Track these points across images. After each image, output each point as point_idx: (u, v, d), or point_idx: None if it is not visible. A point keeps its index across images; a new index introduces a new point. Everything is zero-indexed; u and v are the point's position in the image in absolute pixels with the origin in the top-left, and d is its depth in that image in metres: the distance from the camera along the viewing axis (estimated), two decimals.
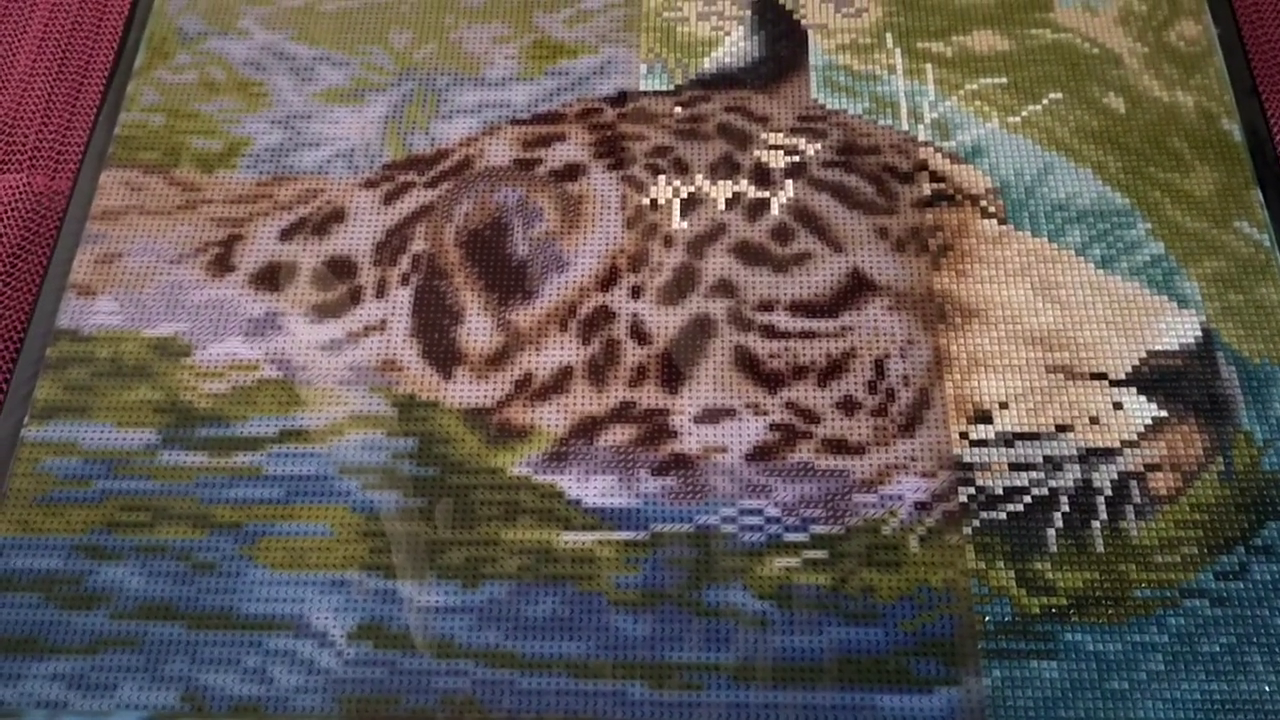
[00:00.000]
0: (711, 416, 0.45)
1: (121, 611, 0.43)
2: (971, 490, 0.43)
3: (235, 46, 0.56)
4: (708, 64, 0.54)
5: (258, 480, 0.45)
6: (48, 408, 0.47)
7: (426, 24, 0.57)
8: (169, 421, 0.46)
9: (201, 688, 0.41)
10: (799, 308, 0.47)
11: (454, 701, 0.40)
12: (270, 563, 0.43)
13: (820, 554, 0.42)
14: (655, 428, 0.45)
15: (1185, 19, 0.54)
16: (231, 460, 0.45)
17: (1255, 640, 0.40)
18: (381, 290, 0.49)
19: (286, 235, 0.50)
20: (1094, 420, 0.44)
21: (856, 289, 0.47)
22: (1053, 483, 0.43)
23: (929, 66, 0.53)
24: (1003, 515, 0.43)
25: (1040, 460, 0.43)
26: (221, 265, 0.50)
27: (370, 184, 0.52)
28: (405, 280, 0.49)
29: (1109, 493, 0.43)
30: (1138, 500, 0.43)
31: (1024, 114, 0.52)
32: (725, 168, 0.51)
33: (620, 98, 0.53)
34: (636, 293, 0.48)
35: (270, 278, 0.49)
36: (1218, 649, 0.40)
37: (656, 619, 0.42)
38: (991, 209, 0.49)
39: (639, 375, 0.46)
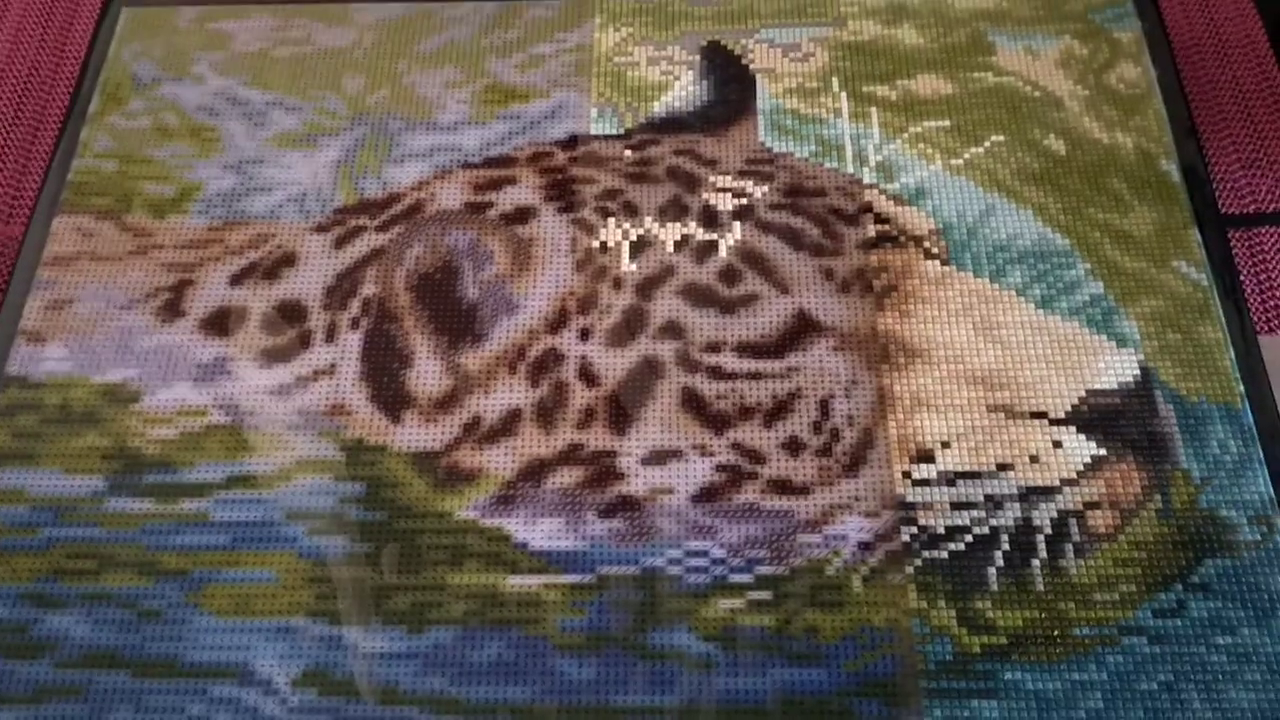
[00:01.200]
0: (658, 458, 0.45)
1: (66, 660, 0.42)
2: (914, 529, 0.44)
3: (189, 92, 0.57)
4: (658, 108, 0.55)
5: (204, 527, 0.45)
6: None
7: (380, 69, 0.57)
8: (117, 468, 0.46)
9: None
10: (746, 349, 0.48)
11: None
12: (216, 610, 0.43)
13: (765, 595, 0.43)
14: (603, 469, 0.45)
15: (1125, 62, 0.55)
16: (178, 507, 0.45)
17: (1193, 677, 0.40)
18: (331, 334, 0.49)
19: (237, 280, 0.50)
20: (1034, 459, 0.45)
21: (802, 330, 0.48)
22: (994, 521, 0.43)
23: (874, 110, 0.54)
24: (944, 554, 0.43)
25: (981, 499, 0.44)
26: (172, 311, 0.50)
27: (321, 228, 0.52)
28: (355, 324, 0.49)
29: (1049, 531, 0.43)
30: (1077, 538, 0.43)
31: (966, 156, 0.53)
32: (674, 210, 0.51)
33: (571, 141, 0.54)
34: (585, 335, 0.48)
35: (220, 323, 0.49)
36: (1155, 686, 0.40)
37: (602, 662, 0.42)
38: (935, 250, 0.50)
39: (587, 417, 0.46)
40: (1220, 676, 0.40)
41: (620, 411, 0.47)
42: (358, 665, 0.42)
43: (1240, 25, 0.59)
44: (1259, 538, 0.43)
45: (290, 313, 0.49)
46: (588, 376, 0.47)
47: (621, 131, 0.54)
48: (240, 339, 0.49)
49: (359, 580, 0.43)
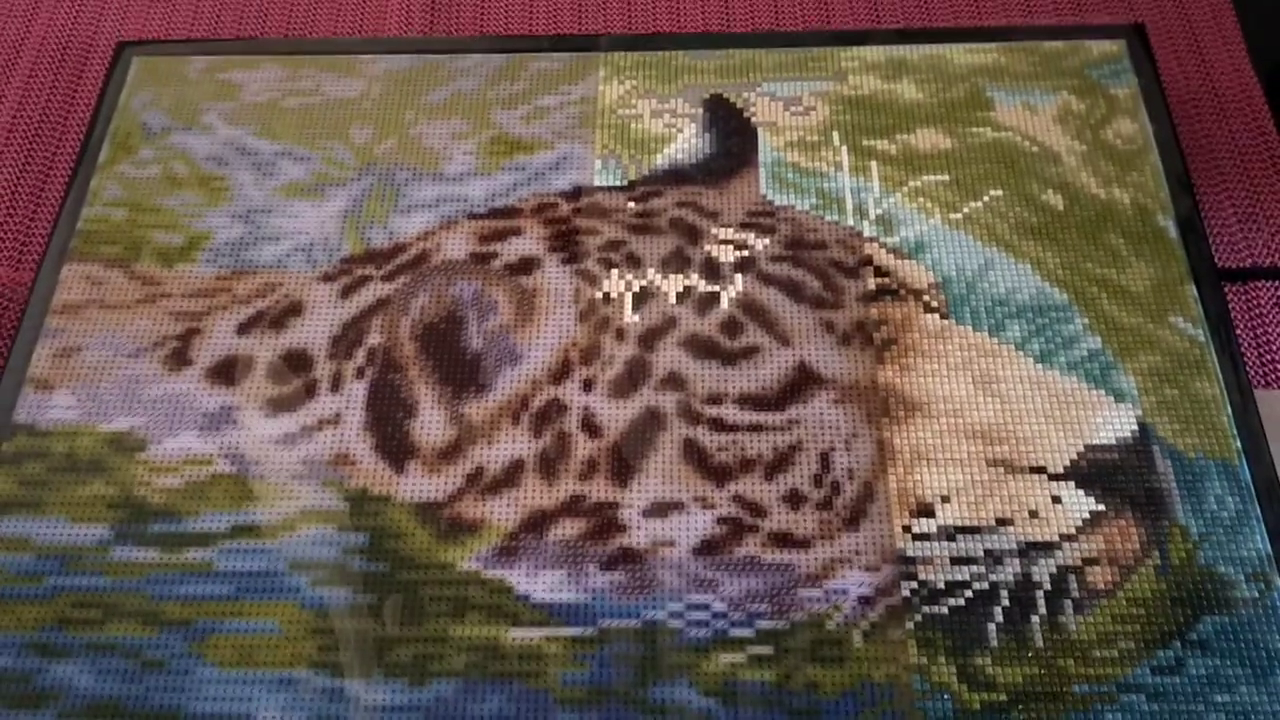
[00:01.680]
0: (660, 510, 0.46)
1: (70, 710, 0.43)
2: (914, 584, 0.44)
3: (198, 141, 0.57)
4: (660, 160, 0.56)
5: (208, 576, 0.45)
6: (2, 502, 0.47)
7: (387, 119, 0.58)
8: (122, 517, 0.46)
9: None
10: (747, 400, 0.48)
11: None
12: (219, 660, 0.43)
13: (765, 649, 0.43)
14: (604, 521, 0.46)
15: (1121, 117, 0.56)
16: (183, 556, 0.45)
17: None
18: (336, 384, 0.49)
19: (244, 329, 0.51)
20: (1033, 514, 0.45)
21: (803, 382, 0.48)
22: (993, 576, 0.44)
23: (874, 164, 0.55)
24: (944, 609, 0.43)
25: (981, 554, 0.44)
26: (179, 359, 0.50)
27: (328, 277, 0.52)
28: (360, 374, 0.50)
29: (1048, 587, 0.43)
30: (1076, 594, 0.43)
31: (965, 210, 0.53)
32: (676, 262, 0.52)
33: (575, 193, 0.55)
34: (588, 385, 0.49)
35: (226, 372, 0.50)
36: None
37: (603, 716, 0.42)
38: (934, 304, 0.51)
39: (589, 468, 0.47)
40: None
41: (622, 463, 0.47)
42: (360, 717, 0.42)
43: (1236, 81, 0.60)
44: (1257, 595, 0.43)
45: (296, 362, 0.50)
46: (590, 427, 0.48)
47: (625, 183, 0.55)
48: (246, 388, 0.49)
49: (361, 632, 0.43)
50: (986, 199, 0.54)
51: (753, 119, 0.57)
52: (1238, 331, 0.51)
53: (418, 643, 0.43)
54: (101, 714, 0.42)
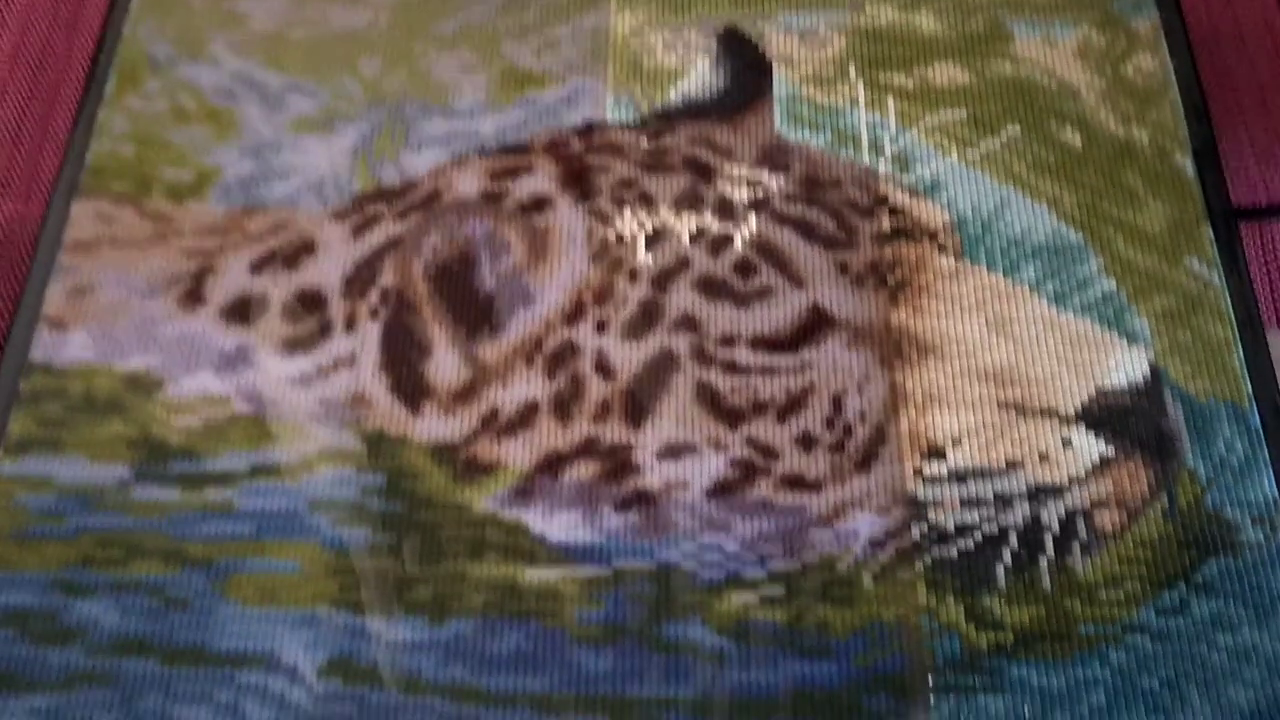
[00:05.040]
0: (673, 452, 0.46)
1: (96, 647, 0.44)
2: (924, 527, 0.44)
3: (206, 74, 0.57)
4: (673, 95, 0.55)
5: (229, 516, 0.46)
6: (22, 442, 0.47)
7: (396, 51, 0.57)
8: (142, 456, 0.47)
9: None
10: (760, 343, 0.48)
11: None
12: (241, 599, 0.44)
13: (777, 590, 0.44)
14: (618, 463, 0.46)
15: (1142, 52, 0.55)
16: (204, 495, 0.46)
17: (1193, 676, 0.42)
18: (351, 324, 0.49)
19: (257, 268, 0.51)
20: (1043, 457, 0.45)
21: (816, 325, 0.48)
22: (1002, 520, 0.44)
23: (890, 99, 0.54)
24: (954, 552, 0.44)
25: (991, 497, 0.45)
26: (193, 298, 0.50)
27: (340, 216, 0.52)
28: (374, 314, 0.50)
29: (1056, 530, 0.44)
30: (1084, 537, 0.44)
31: (982, 148, 0.53)
32: (690, 201, 0.52)
33: (587, 129, 0.54)
34: (601, 327, 0.49)
35: (241, 311, 0.50)
36: (1157, 684, 0.42)
37: (618, 654, 0.43)
38: (948, 245, 0.50)
39: (603, 410, 0.47)
40: (1221, 675, 0.42)
41: (636, 405, 0.47)
42: (381, 654, 0.43)
43: (1259, 14, 0.59)
44: (1262, 539, 0.44)
45: (310, 301, 0.50)
46: (604, 369, 0.48)
47: (637, 119, 0.55)
48: (262, 327, 0.49)
49: (381, 571, 0.44)
50: (1004, 136, 0.53)
51: (767, 53, 0.56)
52: (1252, 270, 0.51)
53: (437, 581, 0.44)
54: (127, 650, 0.43)
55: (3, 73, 0.62)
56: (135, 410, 0.48)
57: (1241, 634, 0.42)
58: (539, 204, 0.52)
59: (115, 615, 0.44)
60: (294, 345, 0.49)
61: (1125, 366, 0.47)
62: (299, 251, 0.51)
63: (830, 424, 0.46)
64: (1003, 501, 0.45)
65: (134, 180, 0.54)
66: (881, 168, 0.52)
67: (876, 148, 0.53)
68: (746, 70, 0.56)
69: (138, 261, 0.51)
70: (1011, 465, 0.45)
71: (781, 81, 0.55)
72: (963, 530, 0.44)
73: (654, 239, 0.51)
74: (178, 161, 0.54)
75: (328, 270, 0.51)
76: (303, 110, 0.55)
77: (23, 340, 0.50)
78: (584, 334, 0.49)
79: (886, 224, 0.51)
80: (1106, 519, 0.44)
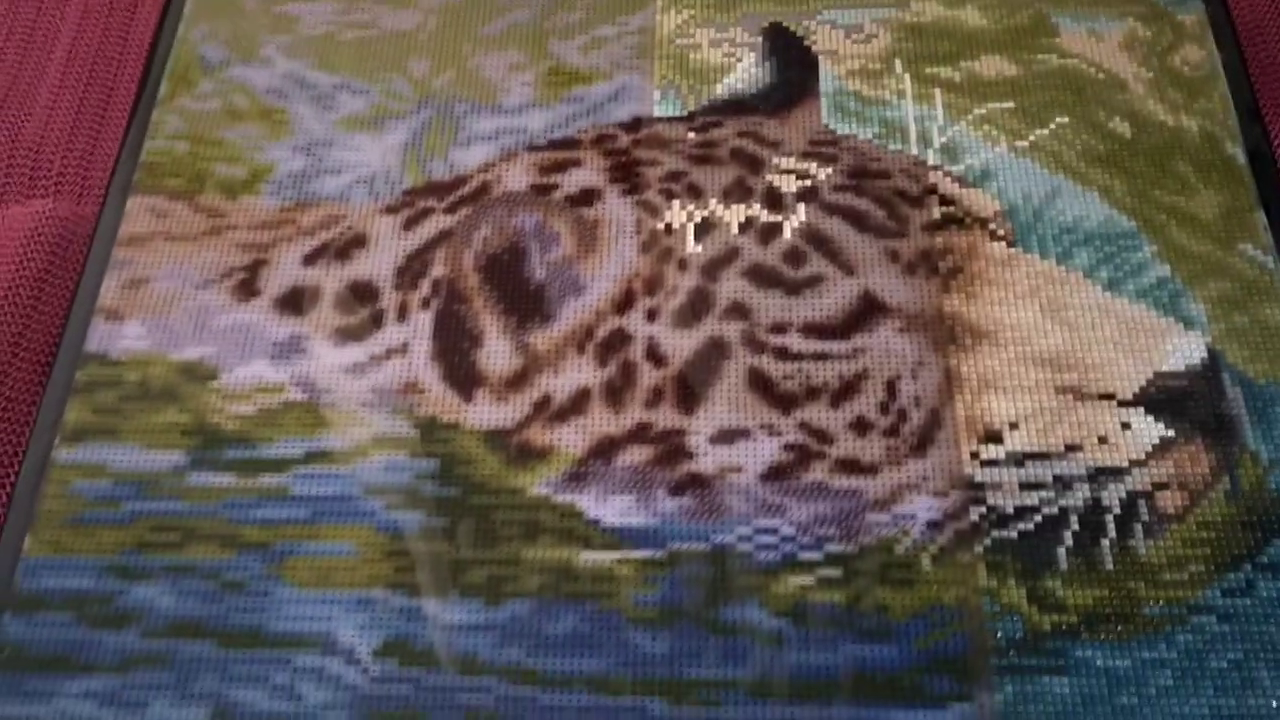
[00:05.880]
0: (726, 437, 0.46)
1: (152, 630, 0.44)
2: (983, 509, 0.44)
3: (258, 74, 0.58)
4: (720, 90, 0.56)
5: (284, 501, 0.46)
6: (77, 430, 0.48)
7: (445, 52, 0.58)
8: (197, 444, 0.47)
9: (231, 704, 0.42)
10: (811, 330, 0.48)
11: (477, 718, 0.41)
12: (297, 581, 0.44)
13: (834, 572, 0.43)
14: (671, 448, 0.46)
15: (1189, 44, 0.55)
16: (258, 481, 0.46)
17: (1262, 656, 0.41)
18: (403, 314, 0.50)
19: (309, 260, 0.51)
20: (1102, 440, 0.45)
21: (868, 311, 0.48)
22: (1063, 502, 0.44)
23: (937, 91, 0.54)
24: (1014, 534, 0.43)
25: (1050, 479, 0.44)
26: (246, 290, 0.51)
27: (390, 210, 0.53)
28: (426, 304, 0.50)
29: (1118, 511, 0.44)
30: (1146, 519, 0.43)
31: (1031, 138, 0.53)
32: (738, 192, 0.52)
33: (634, 123, 0.55)
34: (652, 316, 0.49)
35: (294, 302, 0.50)
36: (1225, 665, 0.41)
37: (674, 636, 0.42)
38: (1000, 232, 0.50)
39: (655, 397, 0.47)
40: None
41: (688, 391, 0.47)
42: (437, 636, 0.43)
43: None
44: None
45: (362, 292, 0.50)
46: (655, 357, 0.48)
47: (684, 113, 0.55)
48: (314, 318, 0.50)
49: (436, 554, 0.44)
50: (1053, 126, 0.53)
51: (813, 47, 0.57)
52: None
53: (491, 564, 0.44)
54: (183, 633, 0.43)
55: (57, 78, 0.63)
56: (190, 398, 0.48)
57: None
58: (588, 196, 0.52)
59: (171, 599, 0.44)
60: (347, 335, 0.49)
61: (1182, 350, 0.47)
62: (351, 244, 0.52)
63: (884, 409, 0.46)
64: (1062, 484, 0.44)
65: (188, 177, 0.54)
66: (930, 158, 0.53)
67: (925, 139, 0.53)
68: (793, 65, 0.56)
69: (192, 255, 0.52)
70: (1070, 448, 0.45)
71: (828, 76, 0.56)
72: (1022, 512, 0.44)
73: (703, 229, 0.51)
74: (231, 158, 0.55)
75: (379, 262, 0.51)
76: (353, 109, 0.56)
77: (79, 332, 0.50)
78: (634, 322, 0.49)
79: (937, 212, 0.51)
80: (1168, 501, 0.44)
